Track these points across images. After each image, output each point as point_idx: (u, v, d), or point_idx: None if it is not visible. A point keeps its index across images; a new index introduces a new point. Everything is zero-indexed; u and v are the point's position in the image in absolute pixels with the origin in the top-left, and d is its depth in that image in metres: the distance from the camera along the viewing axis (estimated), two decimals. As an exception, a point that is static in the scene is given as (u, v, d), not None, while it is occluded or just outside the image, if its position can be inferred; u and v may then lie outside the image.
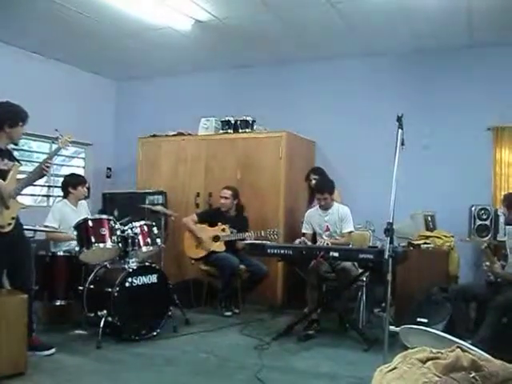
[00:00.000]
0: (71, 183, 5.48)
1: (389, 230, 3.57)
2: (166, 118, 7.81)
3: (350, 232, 5.52)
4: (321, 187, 5.57)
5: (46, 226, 5.23)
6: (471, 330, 4.43)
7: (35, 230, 5.11)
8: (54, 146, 4.46)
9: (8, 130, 4.09)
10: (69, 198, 5.46)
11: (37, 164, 4.35)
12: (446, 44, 6.43)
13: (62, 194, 5.61)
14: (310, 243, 5.40)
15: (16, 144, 4.33)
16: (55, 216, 5.28)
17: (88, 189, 6.01)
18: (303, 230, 5.72)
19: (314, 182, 6.19)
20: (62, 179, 5.79)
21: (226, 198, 6.15)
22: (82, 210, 5.45)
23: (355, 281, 5.19)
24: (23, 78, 6.78)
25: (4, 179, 4.03)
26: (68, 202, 5.44)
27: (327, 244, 5.20)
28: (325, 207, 5.55)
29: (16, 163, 4.18)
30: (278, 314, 5.98)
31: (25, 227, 4.42)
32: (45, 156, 4.55)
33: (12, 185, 4.05)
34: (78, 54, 7.26)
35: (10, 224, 4.05)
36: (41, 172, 4.19)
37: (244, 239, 5.82)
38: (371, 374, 1.64)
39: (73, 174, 5.84)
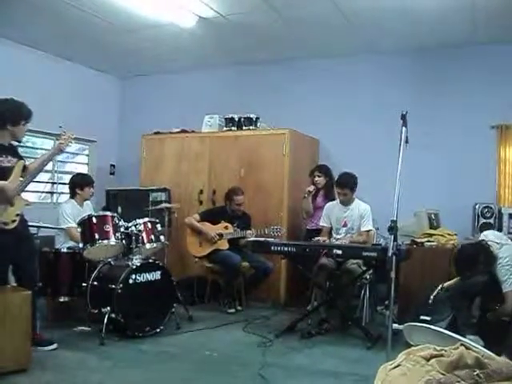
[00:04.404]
0: (78, 184, 5.49)
1: (392, 228, 3.56)
2: (169, 115, 7.81)
3: (369, 231, 5.49)
4: (342, 182, 5.45)
5: (68, 229, 5.26)
6: (474, 328, 4.42)
7: (56, 228, 5.20)
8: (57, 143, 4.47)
9: (11, 128, 4.11)
10: (76, 199, 5.48)
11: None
12: (450, 41, 6.40)
13: (67, 193, 5.63)
14: (327, 239, 5.41)
15: (19, 141, 4.34)
16: (69, 215, 5.30)
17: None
18: (321, 223, 5.69)
19: (317, 179, 6.19)
20: (66, 176, 5.81)
21: (242, 203, 6.12)
22: (87, 210, 5.45)
23: (359, 278, 5.19)
24: (27, 75, 6.77)
25: (7, 176, 4.04)
26: (75, 202, 5.46)
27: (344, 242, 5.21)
28: (345, 202, 5.51)
29: (20, 160, 4.19)
30: (280, 312, 5.99)
31: (42, 225, 4.44)
32: (44, 152, 4.55)
33: (16, 182, 4.07)
34: (82, 51, 7.25)
35: (14, 221, 4.06)
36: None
37: (247, 236, 5.82)
38: (375, 372, 1.64)
39: (80, 175, 5.84)
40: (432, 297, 4.50)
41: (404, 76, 6.83)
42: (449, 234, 5.66)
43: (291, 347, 4.62)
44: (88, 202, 5.64)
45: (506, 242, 4.43)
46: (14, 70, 6.62)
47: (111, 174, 8.53)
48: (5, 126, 4.09)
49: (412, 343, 2.12)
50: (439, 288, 4.53)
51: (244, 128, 6.78)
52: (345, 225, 5.51)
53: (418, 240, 5.60)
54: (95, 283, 4.86)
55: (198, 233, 6.09)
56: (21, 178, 4.15)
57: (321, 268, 5.16)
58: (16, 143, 4.33)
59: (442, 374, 1.45)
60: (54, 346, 4.33)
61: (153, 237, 5.16)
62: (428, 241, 5.58)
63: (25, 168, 4.24)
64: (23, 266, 4.22)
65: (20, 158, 4.25)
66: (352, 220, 5.49)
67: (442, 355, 1.55)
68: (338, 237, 5.50)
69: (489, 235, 4.59)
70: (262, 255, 5.80)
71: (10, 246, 4.04)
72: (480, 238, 4.63)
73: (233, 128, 6.86)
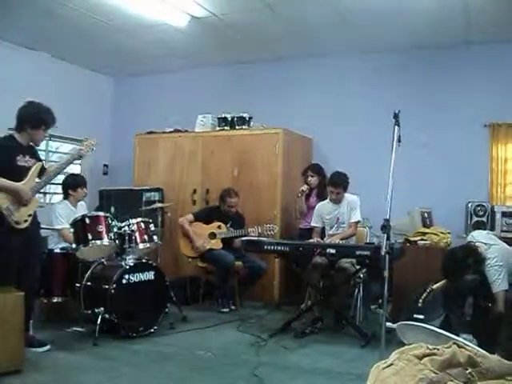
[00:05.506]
0: (71, 185, 5.47)
1: (385, 227, 3.57)
2: (162, 115, 7.79)
3: (357, 222, 5.49)
4: (336, 181, 5.44)
5: (62, 229, 5.25)
6: (468, 326, 4.44)
7: (49, 229, 5.26)
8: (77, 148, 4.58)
9: (30, 131, 4.17)
10: (69, 200, 5.45)
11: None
12: (443, 41, 6.43)
13: (60, 193, 5.62)
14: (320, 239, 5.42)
15: (36, 145, 4.38)
16: (62, 216, 5.28)
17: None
18: (313, 224, 5.68)
19: (310, 179, 6.20)
20: (59, 176, 5.77)
21: (234, 206, 6.12)
22: (81, 211, 5.42)
23: (352, 277, 5.19)
24: (20, 74, 6.75)
25: (23, 176, 4.08)
26: (68, 203, 5.44)
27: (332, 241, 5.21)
28: (337, 201, 5.51)
29: (38, 162, 4.26)
30: (274, 311, 6.00)
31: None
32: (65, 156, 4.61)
33: (31, 183, 4.12)
34: (75, 50, 7.23)
35: (26, 221, 4.09)
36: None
37: (240, 236, 5.81)
38: (368, 370, 1.64)
39: (72, 175, 5.82)
40: (421, 300, 4.51)
41: (397, 75, 6.84)
42: (442, 233, 5.67)
43: (285, 346, 4.62)
44: (82, 202, 5.62)
45: (493, 243, 4.44)
46: (7, 70, 6.59)
47: (104, 174, 8.51)
48: (24, 128, 4.16)
49: (405, 342, 2.13)
50: (428, 290, 4.55)
51: (237, 127, 6.78)
52: (337, 221, 5.52)
53: (412, 238, 5.62)
54: (88, 283, 4.84)
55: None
56: (37, 179, 4.20)
57: (314, 267, 5.17)
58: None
59: (435, 373, 1.46)
60: (47, 347, 4.32)
61: (146, 237, 5.15)
62: (421, 239, 5.60)
63: (43, 170, 4.30)
64: (29, 269, 4.20)
65: (38, 159, 4.32)
66: (343, 214, 5.50)
67: (434, 354, 1.55)
68: (330, 232, 5.51)
69: (476, 236, 4.61)
70: (256, 255, 5.80)
71: (20, 247, 4.05)
72: (468, 240, 4.64)
73: (226, 127, 6.86)
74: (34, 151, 4.31)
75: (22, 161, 4.13)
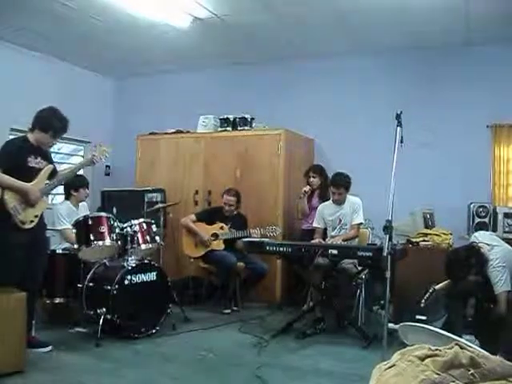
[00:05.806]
0: (73, 185, 5.47)
1: (387, 228, 3.57)
2: (164, 116, 7.81)
3: (360, 224, 5.49)
4: (337, 182, 5.42)
5: (64, 230, 5.25)
6: (470, 327, 4.44)
7: (51, 229, 5.22)
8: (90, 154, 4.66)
9: (37, 133, 4.19)
10: (71, 200, 5.46)
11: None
12: (445, 42, 6.43)
13: (62, 193, 5.62)
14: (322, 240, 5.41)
15: (43, 149, 4.37)
16: (64, 217, 5.28)
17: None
18: (314, 224, 5.68)
19: (312, 179, 6.19)
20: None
21: (230, 205, 6.11)
22: (83, 211, 5.43)
23: (354, 278, 5.19)
24: (21, 75, 6.77)
25: (33, 177, 4.10)
26: (70, 203, 5.44)
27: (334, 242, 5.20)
28: (339, 202, 5.50)
29: (49, 164, 4.27)
30: (276, 312, 5.99)
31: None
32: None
33: (40, 185, 4.14)
34: (77, 52, 7.25)
35: (32, 221, 4.10)
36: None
37: (242, 237, 5.81)
38: (370, 371, 1.64)
39: (74, 176, 5.84)
40: (423, 300, 4.50)
41: (398, 75, 6.84)
42: (444, 234, 5.67)
43: (287, 347, 4.62)
44: (84, 203, 5.63)
45: (496, 244, 4.43)
46: (7, 71, 6.60)
47: (106, 174, 8.51)
48: (34, 129, 4.19)
49: (407, 343, 2.12)
50: (430, 291, 4.54)
51: (239, 128, 6.78)
52: (339, 222, 5.51)
53: (414, 239, 5.62)
54: (90, 284, 4.85)
55: (193, 234, 6.09)
56: (47, 181, 4.22)
57: (316, 268, 5.16)
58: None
59: (437, 374, 1.45)
60: (49, 348, 4.32)
61: (148, 237, 5.15)
62: (423, 240, 5.60)
63: (54, 172, 4.32)
64: (33, 268, 4.20)
65: (50, 162, 4.33)
66: (345, 216, 5.50)
67: (436, 355, 1.55)
68: (333, 233, 5.51)
69: (479, 237, 4.60)
70: (258, 256, 5.80)
71: (24, 247, 4.05)
72: (471, 240, 4.64)
73: (228, 128, 6.86)
74: (46, 153, 4.32)
75: (33, 162, 4.15)
